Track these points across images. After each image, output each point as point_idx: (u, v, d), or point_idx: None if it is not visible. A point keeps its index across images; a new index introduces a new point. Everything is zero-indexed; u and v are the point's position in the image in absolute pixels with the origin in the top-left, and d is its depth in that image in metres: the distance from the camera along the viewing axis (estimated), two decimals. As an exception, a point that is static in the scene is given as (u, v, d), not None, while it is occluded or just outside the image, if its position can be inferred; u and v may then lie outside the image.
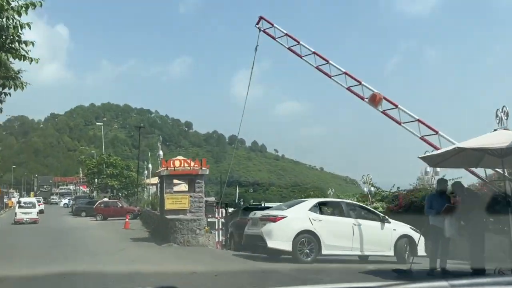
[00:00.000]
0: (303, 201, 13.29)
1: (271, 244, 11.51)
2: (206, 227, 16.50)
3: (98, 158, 63.16)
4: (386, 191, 30.07)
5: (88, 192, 77.19)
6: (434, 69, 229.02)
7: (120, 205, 39.89)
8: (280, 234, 11.54)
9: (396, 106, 15.80)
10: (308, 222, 11.67)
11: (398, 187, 29.14)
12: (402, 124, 15.48)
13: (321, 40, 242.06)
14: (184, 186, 21.14)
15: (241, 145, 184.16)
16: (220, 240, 17.10)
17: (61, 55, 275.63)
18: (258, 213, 12.80)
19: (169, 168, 18.06)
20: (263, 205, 22.79)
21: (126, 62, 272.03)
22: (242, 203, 65.12)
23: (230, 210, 22.98)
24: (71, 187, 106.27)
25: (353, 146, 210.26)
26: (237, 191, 76.38)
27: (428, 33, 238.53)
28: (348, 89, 16.71)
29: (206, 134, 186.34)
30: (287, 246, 11.37)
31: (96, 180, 60.49)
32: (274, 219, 11.73)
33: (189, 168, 18.00)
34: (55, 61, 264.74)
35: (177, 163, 18.28)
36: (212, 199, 79.46)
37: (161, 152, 41.94)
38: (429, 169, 21.51)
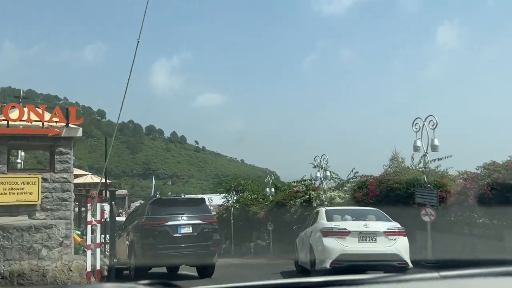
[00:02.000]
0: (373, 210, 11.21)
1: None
2: (79, 239, 8.12)
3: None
4: (339, 178, 23.34)
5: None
6: (348, 67, 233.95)
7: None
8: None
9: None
10: None
11: (356, 172, 22.53)
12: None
13: (241, 36, 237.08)
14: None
15: (160, 135, 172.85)
16: (98, 266, 8.62)
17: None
18: (379, 226, 9.75)
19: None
20: (183, 196, 15.26)
21: (34, 45, 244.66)
22: (158, 196, 56.31)
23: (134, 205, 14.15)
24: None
25: (271, 139, 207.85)
26: (153, 182, 66.83)
27: (343, 33, 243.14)
28: None
29: (121, 124, 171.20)
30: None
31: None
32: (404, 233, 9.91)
33: (40, 123, 9.35)
34: None
35: (14, 114, 9.47)
36: (124, 191, 67.98)
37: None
38: (420, 142, 14.90)
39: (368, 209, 11.49)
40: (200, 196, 15.84)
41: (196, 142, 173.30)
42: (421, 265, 13.54)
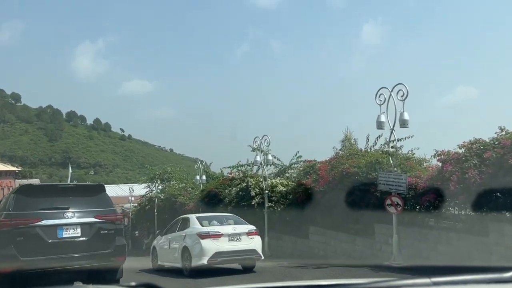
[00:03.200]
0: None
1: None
2: None
3: None
4: (281, 164, 20.22)
5: None
6: (278, 58, 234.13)
7: None
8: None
9: None
10: None
11: (299, 156, 19.54)
12: None
13: (171, 22, 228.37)
14: None
15: (81, 122, 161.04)
16: None
17: None
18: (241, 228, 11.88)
19: None
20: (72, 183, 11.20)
21: None
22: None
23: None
24: None
25: (203, 129, 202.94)
26: (70, 171, 59.89)
27: (274, 26, 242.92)
28: None
29: (38, 109, 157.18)
30: None
31: None
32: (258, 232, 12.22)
33: None
34: None
35: None
36: (35, 181, 60.37)
37: None
38: (384, 117, 12.04)
39: (228, 215, 13.51)
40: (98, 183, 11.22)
41: (122, 130, 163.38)
42: (387, 268, 10.76)
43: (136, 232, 32.05)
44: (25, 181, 70.44)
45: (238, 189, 17.73)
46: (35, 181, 71.00)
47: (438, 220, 11.60)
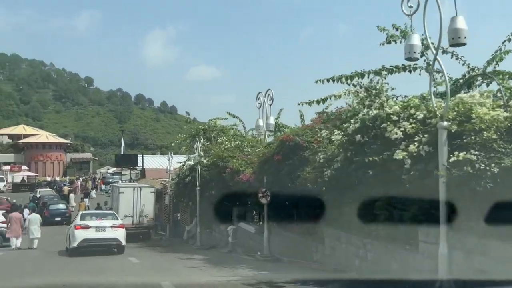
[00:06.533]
0: None
1: None
2: None
3: None
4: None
5: None
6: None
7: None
8: None
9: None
10: None
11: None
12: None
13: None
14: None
15: (149, 105, 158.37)
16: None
17: None
18: (108, 223, 15.87)
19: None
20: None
21: (22, 11, 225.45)
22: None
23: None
24: None
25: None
26: (123, 144, 52.74)
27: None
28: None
29: (109, 92, 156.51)
30: None
31: None
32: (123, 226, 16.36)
33: None
34: None
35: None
36: (87, 155, 52.84)
37: None
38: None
39: (106, 212, 18.42)
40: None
41: (187, 113, 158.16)
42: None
43: (178, 215, 22.67)
44: (76, 155, 65.66)
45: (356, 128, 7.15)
46: (87, 155, 65.75)
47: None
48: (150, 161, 36.90)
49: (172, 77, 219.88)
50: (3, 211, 22.32)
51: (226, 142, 16.25)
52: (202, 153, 16.76)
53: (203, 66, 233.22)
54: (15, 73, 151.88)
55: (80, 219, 15.52)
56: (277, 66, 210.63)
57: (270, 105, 12.47)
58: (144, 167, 33.86)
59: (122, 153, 48.52)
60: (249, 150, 14.71)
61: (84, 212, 19.28)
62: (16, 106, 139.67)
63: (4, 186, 43.30)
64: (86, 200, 32.03)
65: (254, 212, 13.94)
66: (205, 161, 15.95)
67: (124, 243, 14.95)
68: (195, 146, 17.45)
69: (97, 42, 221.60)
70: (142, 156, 36.76)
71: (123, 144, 51.17)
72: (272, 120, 11.22)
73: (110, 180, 40.50)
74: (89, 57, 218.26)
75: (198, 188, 17.08)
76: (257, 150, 12.75)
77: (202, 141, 17.24)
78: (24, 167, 50.24)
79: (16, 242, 17.97)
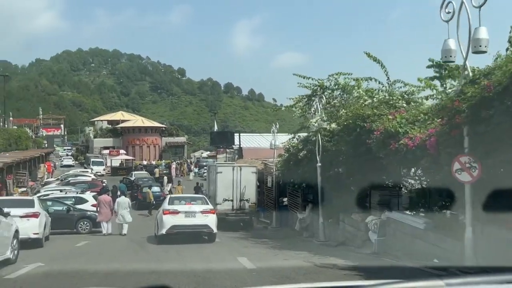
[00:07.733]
0: None
1: None
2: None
3: None
4: None
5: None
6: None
7: None
8: None
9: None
10: None
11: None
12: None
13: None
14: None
15: (237, 93, 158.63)
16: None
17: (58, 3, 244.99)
18: (198, 208, 14.28)
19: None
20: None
21: (123, 11, 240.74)
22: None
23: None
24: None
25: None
26: (215, 125, 50.45)
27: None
28: None
29: (200, 82, 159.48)
30: None
31: None
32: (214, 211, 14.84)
33: None
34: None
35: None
36: (182, 139, 51.48)
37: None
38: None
39: (196, 196, 17.28)
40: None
41: (274, 100, 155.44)
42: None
43: (284, 200, 18.45)
44: (171, 139, 65.46)
45: None
46: (181, 139, 65.12)
47: None
48: (248, 140, 33.37)
49: (259, 65, 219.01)
50: (94, 193, 20.39)
51: (366, 97, 11.38)
52: (324, 117, 12.15)
53: (289, 52, 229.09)
54: (116, 67, 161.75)
55: (169, 203, 14.07)
56: (366, 48, 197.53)
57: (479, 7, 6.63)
58: (241, 146, 30.38)
59: (215, 128, 46.10)
60: (404, 105, 9.83)
61: (172, 195, 18.20)
62: (118, 98, 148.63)
63: (104, 169, 43.35)
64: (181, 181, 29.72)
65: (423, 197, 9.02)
66: (333, 126, 11.27)
67: (215, 230, 13.39)
68: (312, 109, 12.86)
69: (188, 35, 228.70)
70: (239, 134, 33.40)
71: (215, 127, 48.83)
72: (483, 34, 5.58)
73: (204, 164, 38.02)
74: (181, 49, 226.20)
75: (319, 164, 12.55)
76: (440, 96, 7.66)
77: (324, 101, 12.57)
78: (122, 151, 50.45)
79: (107, 226, 16.03)
